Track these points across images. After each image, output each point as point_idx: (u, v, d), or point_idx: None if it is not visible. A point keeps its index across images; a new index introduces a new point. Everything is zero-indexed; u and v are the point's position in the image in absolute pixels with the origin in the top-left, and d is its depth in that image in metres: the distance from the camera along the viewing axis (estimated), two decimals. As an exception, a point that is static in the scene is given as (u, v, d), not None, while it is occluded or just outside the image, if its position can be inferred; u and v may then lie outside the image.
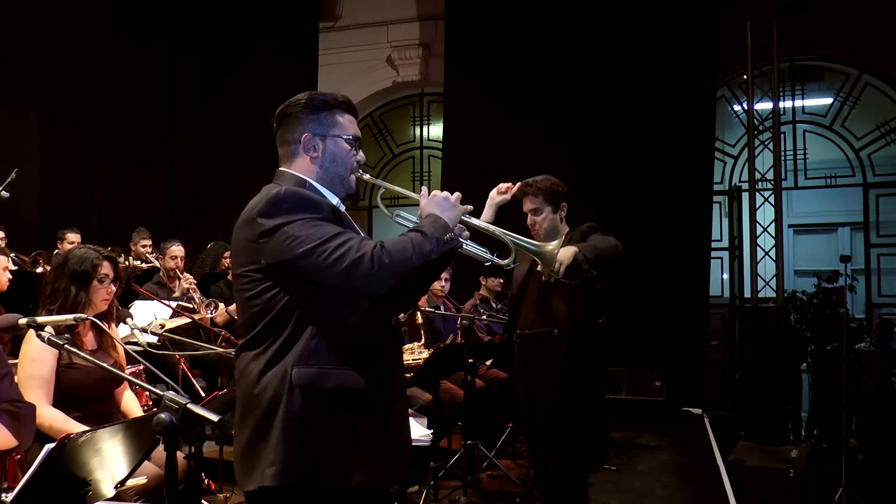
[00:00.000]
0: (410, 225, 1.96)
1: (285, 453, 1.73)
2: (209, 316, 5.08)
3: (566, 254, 3.00)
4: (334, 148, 1.94)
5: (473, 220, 2.00)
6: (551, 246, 2.17)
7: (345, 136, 1.96)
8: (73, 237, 6.36)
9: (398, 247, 1.76)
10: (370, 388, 1.81)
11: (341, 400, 1.79)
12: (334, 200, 1.94)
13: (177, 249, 5.63)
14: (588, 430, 3.36)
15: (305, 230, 1.76)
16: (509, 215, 2.93)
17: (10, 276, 4.08)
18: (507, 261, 2.05)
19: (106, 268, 2.89)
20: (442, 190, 1.96)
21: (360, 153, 2.00)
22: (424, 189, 1.98)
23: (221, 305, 5.22)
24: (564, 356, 3.37)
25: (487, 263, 2.06)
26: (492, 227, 2.07)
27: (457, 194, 1.94)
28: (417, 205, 1.97)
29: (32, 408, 2.52)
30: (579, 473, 3.44)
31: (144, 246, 6.71)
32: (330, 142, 1.94)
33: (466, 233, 1.98)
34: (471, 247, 2.01)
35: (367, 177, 2.04)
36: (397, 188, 2.12)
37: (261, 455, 1.76)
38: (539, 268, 2.23)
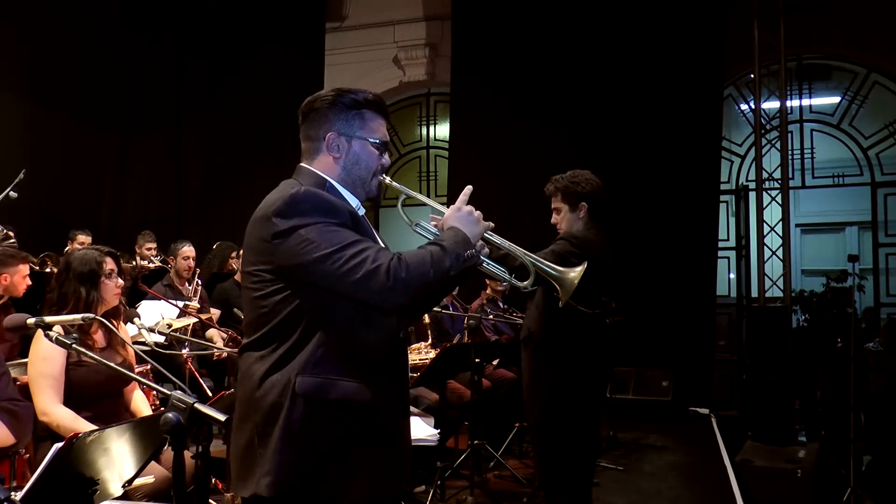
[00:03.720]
0: (429, 236, 1.89)
1: (281, 464, 1.68)
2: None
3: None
4: (359, 150, 1.87)
5: (496, 238, 1.90)
6: (573, 274, 1.98)
7: (371, 140, 1.88)
8: (84, 238, 6.34)
9: (416, 260, 1.68)
10: (375, 402, 1.74)
11: (344, 413, 1.72)
12: (354, 203, 1.86)
13: (188, 250, 5.64)
14: (571, 438, 3.05)
15: (321, 235, 1.68)
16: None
17: (30, 283, 4.09)
18: (525, 283, 1.94)
19: (109, 263, 2.94)
20: (448, 191, 1.94)
21: (386, 157, 1.92)
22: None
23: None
24: (528, 365, 3.18)
25: (505, 283, 1.97)
26: (514, 248, 1.95)
27: (479, 212, 1.85)
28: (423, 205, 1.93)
29: (30, 406, 2.54)
30: (566, 480, 3.14)
31: (149, 248, 6.72)
32: (356, 143, 1.87)
33: (486, 250, 1.89)
34: (490, 266, 1.92)
35: (388, 180, 1.94)
36: (421, 196, 1.98)
37: (257, 462, 1.70)
38: (558, 294, 2.00)
